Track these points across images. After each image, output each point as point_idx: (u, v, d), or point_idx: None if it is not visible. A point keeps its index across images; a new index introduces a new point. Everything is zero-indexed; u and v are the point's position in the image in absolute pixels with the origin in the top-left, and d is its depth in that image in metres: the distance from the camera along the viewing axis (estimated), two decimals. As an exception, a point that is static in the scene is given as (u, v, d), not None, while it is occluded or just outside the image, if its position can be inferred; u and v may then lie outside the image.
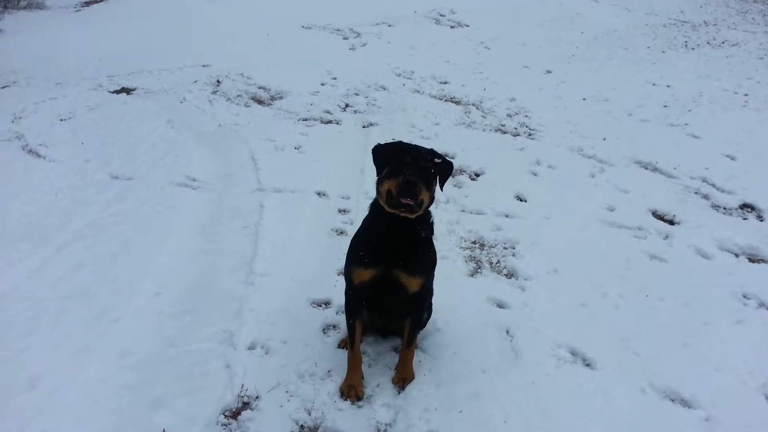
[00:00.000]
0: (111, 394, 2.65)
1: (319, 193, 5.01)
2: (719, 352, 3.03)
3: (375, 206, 2.65)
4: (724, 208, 4.90)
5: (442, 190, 2.69)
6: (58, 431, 2.42)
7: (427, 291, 2.75)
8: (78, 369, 2.76)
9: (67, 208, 4.60)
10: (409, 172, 2.40)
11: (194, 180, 5.20)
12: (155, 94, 8.14)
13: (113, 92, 8.30)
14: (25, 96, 7.98)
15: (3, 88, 8.83)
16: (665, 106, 7.51)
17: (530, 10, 13.84)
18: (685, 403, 2.68)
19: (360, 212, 4.63)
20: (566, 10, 13.68)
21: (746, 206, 4.93)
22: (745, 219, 4.72)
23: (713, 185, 5.25)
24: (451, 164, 2.71)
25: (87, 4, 18.44)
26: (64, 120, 6.99)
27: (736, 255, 4.15)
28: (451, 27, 12.93)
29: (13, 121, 6.87)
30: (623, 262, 3.93)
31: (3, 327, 3.09)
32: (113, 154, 5.84)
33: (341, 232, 4.34)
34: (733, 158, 5.83)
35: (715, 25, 11.87)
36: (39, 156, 5.76)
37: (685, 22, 12.20)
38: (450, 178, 5.33)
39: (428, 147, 2.66)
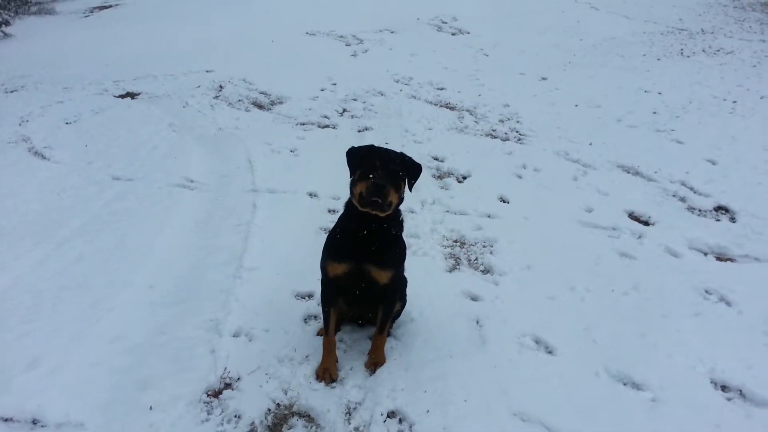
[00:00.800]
0: (103, 375, 2.87)
1: (310, 194, 5.24)
2: (673, 341, 3.22)
3: (349, 205, 2.87)
4: (699, 210, 5.07)
5: (410, 191, 2.90)
6: (54, 407, 2.64)
7: (397, 282, 2.96)
8: (73, 352, 2.99)
9: (69, 207, 4.85)
10: (379, 175, 2.61)
11: (192, 181, 5.45)
12: (159, 99, 8.41)
13: (118, 96, 8.57)
14: (33, 100, 8.27)
15: (12, 92, 9.14)
16: (654, 113, 7.68)
17: (531, 18, 14.08)
18: (636, 386, 2.87)
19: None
20: (567, 17, 13.91)
21: (721, 208, 5.10)
22: (718, 220, 4.90)
23: (691, 188, 5.43)
24: (419, 167, 2.92)
25: (96, 9, 18.86)
26: (70, 123, 7.26)
27: (705, 254, 4.33)
28: (453, 34, 13.16)
29: (20, 125, 7.16)
30: (594, 259, 4.13)
31: (5, 315, 3.32)
32: (116, 156, 6.09)
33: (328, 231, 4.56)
34: (713, 162, 6.00)
35: (712, 33, 12.03)
36: (44, 158, 6.03)
37: (682, 30, 12.37)
38: (438, 181, 5.60)
39: (398, 151, 2.86)
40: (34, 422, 2.56)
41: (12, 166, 5.86)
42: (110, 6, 19.34)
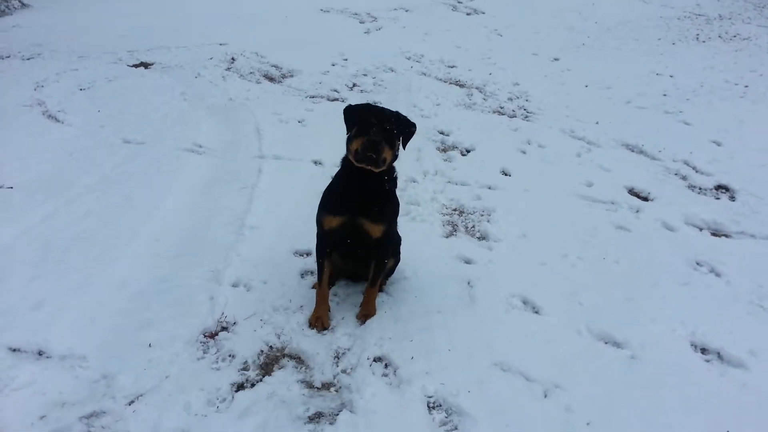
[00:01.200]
0: (106, 316, 3.02)
1: (315, 162, 5.34)
2: (658, 307, 3.30)
3: (345, 161, 2.97)
4: (700, 188, 5.11)
5: (404, 149, 2.99)
6: (59, 341, 2.79)
7: (389, 236, 3.06)
8: (79, 295, 3.14)
9: (80, 167, 4.98)
10: (374, 132, 2.71)
11: (200, 146, 5.57)
12: (172, 69, 8.51)
13: (132, 66, 8.68)
14: (48, 67, 8.41)
15: (28, 59, 9.28)
16: (664, 95, 7.67)
17: (547, 0, 13.96)
18: (616, 345, 2.97)
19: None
20: (583, 0, 13.78)
21: (721, 187, 5.14)
22: (717, 198, 4.94)
23: (694, 167, 5.46)
24: (413, 125, 3.00)
25: (115, -17, 18.87)
26: (84, 90, 7.39)
27: (700, 229, 4.38)
28: (467, 14, 13.10)
29: (35, 89, 7.30)
30: (590, 231, 4.20)
31: (13, 262, 3.47)
32: (127, 121, 6.22)
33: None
34: (719, 144, 6.01)
35: (729, 18, 11.88)
36: (58, 121, 6.17)
37: (700, 15, 12.22)
38: (442, 153, 5.65)
39: (393, 110, 2.95)
40: (40, 353, 2.71)
41: (26, 127, 6.01)
42: (128, -21, 19.38)
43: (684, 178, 5.28)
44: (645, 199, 4.87)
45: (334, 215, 2.92)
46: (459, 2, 13.85)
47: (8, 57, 9.48)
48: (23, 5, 14.59)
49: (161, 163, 5.08)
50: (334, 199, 2.96)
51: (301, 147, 5.67)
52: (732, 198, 4.95)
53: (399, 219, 3.22)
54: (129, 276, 3.38)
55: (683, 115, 6.85)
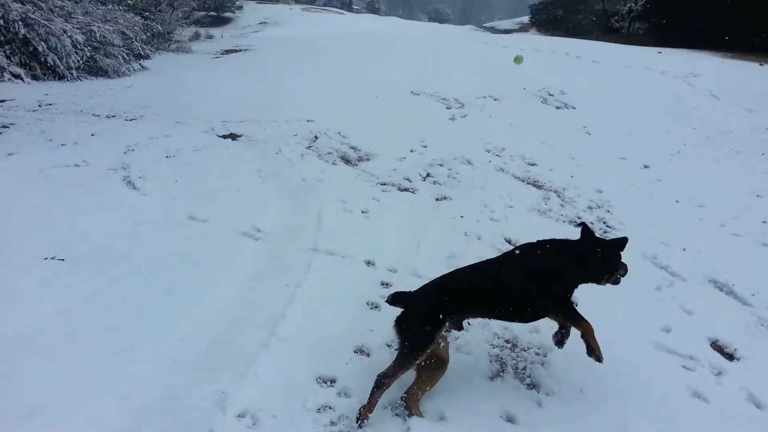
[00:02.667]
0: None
1: (367, 262, 5.10)
2: None
3: None
4: (800, 351, 4.37)
5: None
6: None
7: None
8: (76, 405, 2.98)
9: (138, 241, 5.04)
10: None
11: (259, 230, 5.51)
12: (256, 143, 8.75)
13: (221, 136, 9.02)
14: (145, 130, 8.91)
15: (130, 120, 9.90)
16: (764, 222, 6.89)
17: (645, 99, 13.44)
18: None
19: (401, 287, 4.64)
20: (683, 102, 13.13)
21: (827, 353, 4.36)
22: (822, 367, 4.18)
23: (794, 322, 4.71)
24: None
25: (226, 52, 20.40)
26: (170, 157, 7.69)
27: (797, 409, 3.67)
28: (557, 108, 12.81)
29: (125, 152, 7.69)
30: (660, 397, 3.58)
31: (31, 354, 3.39)
32: (200, 194, 6.34)
33: (375, 307, 4.37)
34: (828, 294, 5.21)
35: None
36: (134, 188, 6.38)
37: (814, 130, 11.22)
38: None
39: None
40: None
41: (104, 193, 6.25)
42: (240, 50, 20.89)
43: (781, 333, 4.56)
44: (730, 357, 4.20)
45: None
46: (550, 95, 13.62)
47: (114, 117, 10.19)
48: (142, 68, 15.93)
49: (216, 246, 5.05)
50: None
51: (357, 242, 5.48)
52: (842, 370, 4.17)
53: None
54: (138, 384, 3.20)
55: (787, 251, 6.07)
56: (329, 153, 8.55)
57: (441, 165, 8.33)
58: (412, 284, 4.76)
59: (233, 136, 9.09)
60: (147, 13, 19.48)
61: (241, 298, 4.32)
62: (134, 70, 15.57)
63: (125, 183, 6.63)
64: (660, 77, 16.14)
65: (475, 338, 4.09)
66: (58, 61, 13.32)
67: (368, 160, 8.42)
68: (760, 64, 20.59)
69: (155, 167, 7.28)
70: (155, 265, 4.66)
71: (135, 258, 4.75)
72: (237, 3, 47.14)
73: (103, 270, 4.44)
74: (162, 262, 4.75)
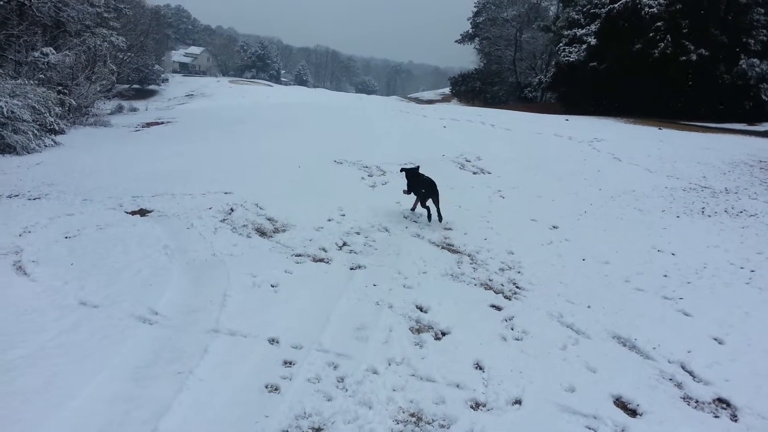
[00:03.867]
0: None
1: (271, 340, 4.93)
2: None
3: None
4: (696, 402, 4.51)
5: None
6: None
7: None
8: None
9: (20, 334, 4.65)
10: None
11: (156, 314, 5.23)
12: (167, 218, 8.44)
13: (129, 213, 8.65)
14: (46, 210, 8.44)
15: (34, 199, 9.39)
16: (665, 276, 7.28)
17: (554, 163, 14.21)
18: None
19: (305, 367, 4.51)
20: (588, 165, 13.97)
21: (721, 401, 4.52)
22: (716, 417, 4.32)
23: (690, 372, 4.89)
24: None
25: (148, 125, 20.08)
26: (69, 238, 7.28)
27: (695, 462, 3.76)
28: (474, 173, 13.30)
29: (20, 235, 7.23)
30: (562, 459, 3.61)
31: None
32: (95, 278, 5.97)
33: (275, 389, 4.20)
34: (720, 342, 5.47)
35: (736, 193, 11.77)
36: (25, 274, 5.96)
37: (705, 187, 12.16)
38: (414, 335, 5.22)
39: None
40: None
41: (-13, 281, 5.80)
42: (162, 122, 20.61)
43: (679, 385, 4.71)
44: (633, 413, 4.28)
45: None
46: (467, 161, 14.18)
47: (16, 196, 9.63)
48: (55, 143, 15.33)
49: (104, 334, 4.73)
50: None
51: (263, 319, 5.31)
52: (734, 417, 4.33)
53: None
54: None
55: (683, 303, 6.38)
56: (244, 225, 8.38)
57: (358, 233, 8.35)
58: (317, 360, 4.67)
59: (142, 212, 8.74)
60: (61, 87, 19.00)
61: (123, 392, 4.00)
62: (45, 146, 14.95)
63: (14, 269, 6.18)
64: (567, 142, 17.18)
65: (378, 415, 3.98)
66: (-41, 139, 12.66)
67: (284, 231, 8.32)
68: (659, 128, 22.38)
69: (51, 249, 6.81)
70: (33, 360, 4.28)
71: (14, 353, 4.35)
72: (162, 76, 47.07)
73: (-23, 368, 4.07)
74: (42, 355, 4.35)
